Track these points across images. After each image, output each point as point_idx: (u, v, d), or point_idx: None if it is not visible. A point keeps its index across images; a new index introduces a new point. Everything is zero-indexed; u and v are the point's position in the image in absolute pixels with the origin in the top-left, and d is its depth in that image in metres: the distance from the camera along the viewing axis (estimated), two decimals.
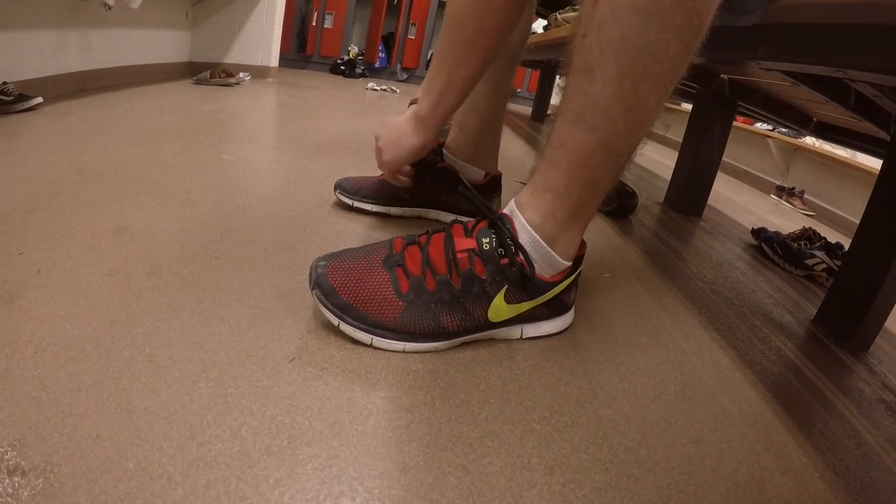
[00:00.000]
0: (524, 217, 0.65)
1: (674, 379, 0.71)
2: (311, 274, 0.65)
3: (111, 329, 0.58)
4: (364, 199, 1.06)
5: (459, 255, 0.65)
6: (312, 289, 0.64)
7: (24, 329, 0.56)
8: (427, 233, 0.69)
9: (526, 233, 0.65)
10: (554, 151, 0.64)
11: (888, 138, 1.00)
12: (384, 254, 0.67)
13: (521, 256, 0.65)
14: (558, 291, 0.70)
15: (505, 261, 0.65)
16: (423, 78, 0.91)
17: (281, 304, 0.69)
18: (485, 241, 0.65)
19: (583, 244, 0.72)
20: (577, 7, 1.22)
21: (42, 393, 0.48)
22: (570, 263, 0.70)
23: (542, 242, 0.65)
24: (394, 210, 1.08)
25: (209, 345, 0.59)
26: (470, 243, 0.65)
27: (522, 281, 0.66)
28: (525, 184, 0.69)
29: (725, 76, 1.52)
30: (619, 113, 0.58)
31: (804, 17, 0.82)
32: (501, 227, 0.65)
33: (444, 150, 1.04)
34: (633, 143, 0.62)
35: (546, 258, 0.66)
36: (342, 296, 0.63)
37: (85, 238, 0.78)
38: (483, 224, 0.67)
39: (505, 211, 0.68)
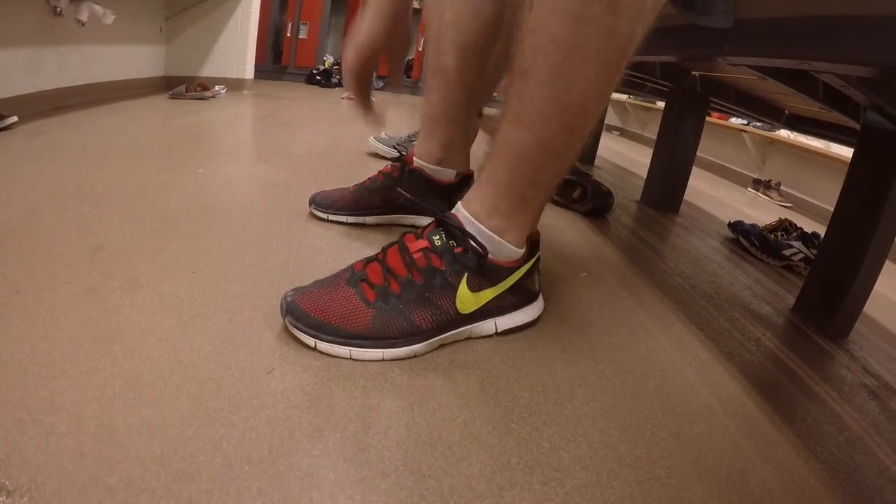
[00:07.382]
0: (468, 210, 0.69)
1: (653, 374, 0.72)
2: (282, 305, 0.66)
3: (91, 347, 0.58)
4: (338, 211, 1.07)
5: (415, 255, 0.67)
6: (284, 317, 0.66)
7: (4, 350, 0.56)
8: (382, 250, 0.71)
9: (471, 224, 0.68)
10: (497, 149, 0.67)
11: (858, 127, 1.02)
12: (347, 276, 0.69)
13: (473, 241, 0.67)
14: (519, 277, 0.72)
15: (459, 249, 0.67)
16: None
17: (258, 316, 0.70)
18: (435, 238, 0.68)
19: (536, 231, 0.75)
20: None
21: (24, 413, 0.48)
22: (521, 250, 0.72)
23: (488, 231, 0.68)
24: (369, 219, 1.08)
25: (188, 359, 0.59)
26: (422, 243, 0.68)
27: (479, 265, 0.68)
28: None
29: (696, 73, 1.55)
30: (553, 113, 0.61)
31: (765, 10, 0.84)
32: (448, 223, 0.68)
33: (414, 157, 1.05)
34: (573, 143, 0.65)
35: (494, 245, 0.69)
36: (313, 315, 0.64)
37: (63, 257, 0.77)
38: (431, 225, 0.70)
39: (452, 210, 0.71)
